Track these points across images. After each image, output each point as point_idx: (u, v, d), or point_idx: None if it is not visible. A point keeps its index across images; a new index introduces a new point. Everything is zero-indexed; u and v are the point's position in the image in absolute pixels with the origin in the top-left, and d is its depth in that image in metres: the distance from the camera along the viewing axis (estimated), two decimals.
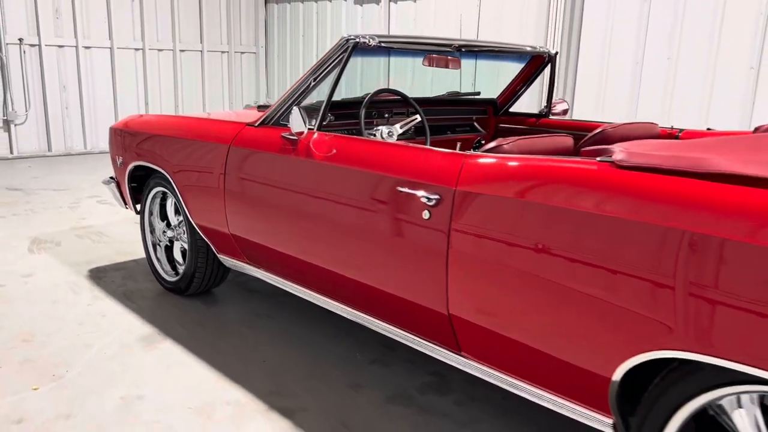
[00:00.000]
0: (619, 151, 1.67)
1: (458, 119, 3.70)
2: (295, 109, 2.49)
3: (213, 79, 9.65)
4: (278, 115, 2.76)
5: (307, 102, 2.79)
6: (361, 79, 8.22)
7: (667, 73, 5.58)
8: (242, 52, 9.91)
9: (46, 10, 7.99)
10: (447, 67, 3.11)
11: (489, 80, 5.99)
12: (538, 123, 3.60)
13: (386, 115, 3.27)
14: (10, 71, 7.82)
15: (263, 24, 9.97)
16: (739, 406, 1.50)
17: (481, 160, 1.96)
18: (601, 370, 1.66)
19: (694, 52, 5.40)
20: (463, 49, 3.04)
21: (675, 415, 1.55)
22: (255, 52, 10.05)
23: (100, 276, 3.79)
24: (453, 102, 3.71)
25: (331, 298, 2.61)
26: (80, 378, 2.61)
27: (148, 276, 3.79)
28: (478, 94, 3.81)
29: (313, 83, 2.66)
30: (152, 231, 3.64)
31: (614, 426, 1.74)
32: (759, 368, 1.37)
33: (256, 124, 2.84)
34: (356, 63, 8.17)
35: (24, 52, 7.89)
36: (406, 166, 2.14)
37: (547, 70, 3.55)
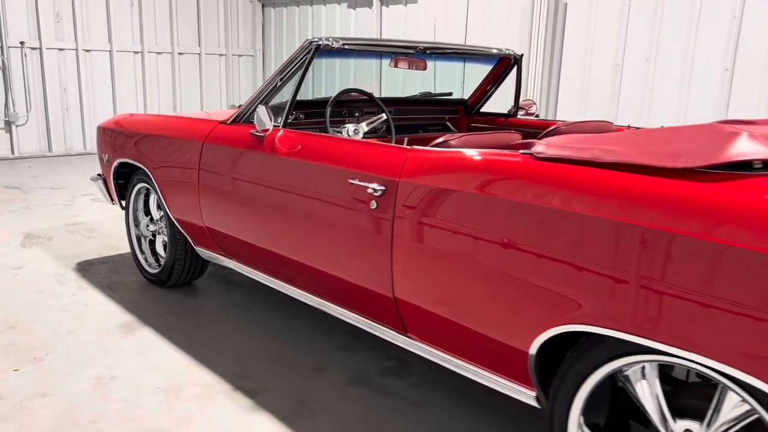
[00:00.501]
0: (539, 144, 1.81)
1: (431, 119, 3.85)
2: (261, 108, 2.64)
3: (211, 81, 9.83)
4: (248, 113, 2.92)
5: (281, 101, 2.94)
6: (354, 79, 8.39)
7: (646, 74, 5.71)
8: (240, 55, 10.09)
9: (47, 14, 8.19)
10: (413, 68, 3.26)
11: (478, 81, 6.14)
12: (507, 122, 3.74)
13: (356, 114, 3.42)
14: (12, 74, 8.02)
15: (260, 27, 10.15)
16: (643, 377, 1.63)
17: (423, 154, 2.11)
18: (521, 345, 1.80)
19: (671, 55, 5.52)
20: (428, 51, 3.18)
21: (583, 384, 1.69)
22: (252, 55, 10.22)
23: (86, 268, 3.96)
24: (426, 102, 3.86)
25: (296, 286, 2.76)
26: (59, 360, 2.77)
27: (132, 269, 3.95)
28: (450, 94, 3.96)
29: (279, 83, 2.81)
30: (137, 225, 3.80)
31: (537, 398, 1.88)
32: (651, 339, 1.51)
33: (228, 122, 3.00)
34: (350, 64, 8.34)
35: (25, 55, 8.09)
36: (357, 161, 2.29)
37: (521, 71, 3.70)
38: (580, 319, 1.64)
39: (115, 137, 3.70)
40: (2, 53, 7.91)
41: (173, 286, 3.65)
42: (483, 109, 3.99)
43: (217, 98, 9.93)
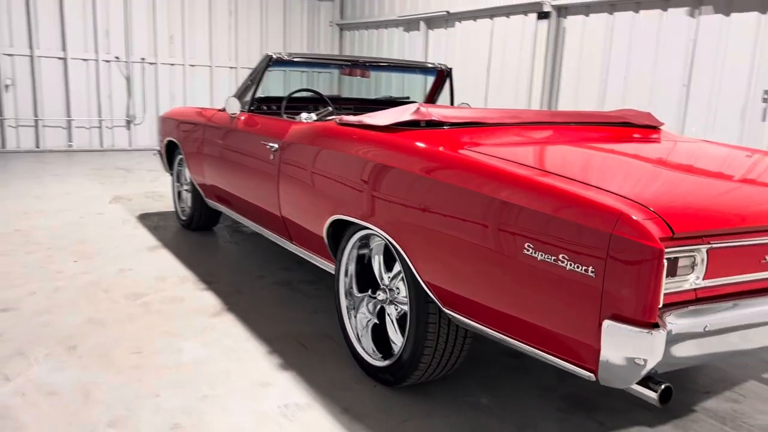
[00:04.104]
0: (344, 116, 3.02)
1: None
2: (231, 99, 4.01)
3: None
4: None
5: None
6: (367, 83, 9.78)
7: (624, 88, 6.53)
8: (319, 72, 11.70)
9: (162, 36, 10.23)
10: (360, 77, 4.51)
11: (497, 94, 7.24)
12: None
13: (320, 108, 4.70)
14: (134, 83, 10.09)
15: (338, 47, 11.72)
16: (381, 251, 2.78)
17: (297, 125, 3.36)
18: (319, 232, 3.00)
19: (641, 72, 6.33)
20: (367, 64, 4.42)
21: (345, 250, 2.85)
22: (330, 72, 11.80)
23: (145, 217, 5.54)
24: (387, 103, 5.07)
25: (249, 219, 4.07)
26: (102, 259, 4.28)
27: (175, 220, 5.47)
28: (408, 98, 5.14)
29: (249, 83, 4.17)
30: (181, 184, 5.30)
31: (336, 271, 3.06)
32: (361, 220, 2.67)
33: (222, 109, 4.40)
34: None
35: (144, 68, 10.15)
36: (269, 130, 3.59)
37: (452, 81, 4.82)
38: (340, 212, 2.82)
39: (166, 122, 5.24)
40: (127, 67, 10.01)
41: (195, 229, 5.11)
42: None
43: None
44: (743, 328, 1.85)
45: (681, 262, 1.76)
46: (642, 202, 1.76)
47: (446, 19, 8.89)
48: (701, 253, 1.78)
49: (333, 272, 3.14)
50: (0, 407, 2.41)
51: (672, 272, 1.74)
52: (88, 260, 4.26)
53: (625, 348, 1.67)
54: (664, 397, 1.74)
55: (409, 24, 9.67)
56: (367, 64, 4.43)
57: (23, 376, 2.66)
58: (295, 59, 4.13)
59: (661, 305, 1.65)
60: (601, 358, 1.72)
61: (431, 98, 5.05)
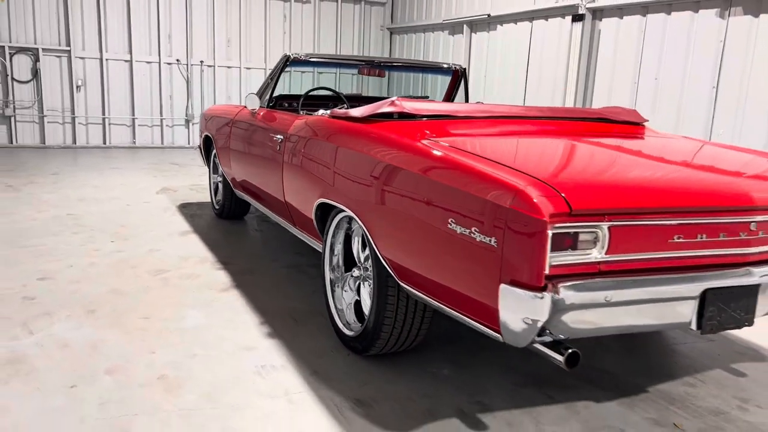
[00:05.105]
0: (334, 110, 3.30)
1: None
2: (251, 95, 4.36)
3: None
4: None
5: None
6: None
7: (655, 90, 6.52)
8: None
9: (220, 40, 10.82)
10: (376, 76, 4.78)
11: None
12: None
13: (338, 105, 4.99)
14: (192, 84, 10.73)
15: (388, 50, 12.03)
16: (361, 233, 3.05)
17: (299, 118, 3.67)
18: (308, 213, 3.28)
19: (672, 73, 6.31)
20: (382, 64, 4.69)
21: (329, 229, 3.11)
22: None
23: (184, 206, 5.99)
24: None
25: (266, 207, 4.41)
26: (137, 241, 4.72)
27: (211, 210, 5.90)
28: (427, 97, 5.36)
29: (269, 81, 4.51)
30: (217, 176, 5.72)
31: (322, 250, 3.34)
32: (337, 203, 2.93)
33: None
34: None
35: (203, 71, 10.76)
36: (279, 124, 3.91)
37: (467, 80, 5.02)
38: (323, 196, 3.10)
39: (204, 119, 5.67)
40: (187, 69, 10.65)
41: (226, 218, 5.51)
42: None
43: None
44: (646, 302, 2.00)
45: (582, 237, 1.93)
46: (547, 181, 1.95)
47: (488, 23, 9.04)
48: (602, 229, 1.95)
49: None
50: (19, 354, 2.81)
51: (572, 245, 1.92)
52: (123, 241, 4.71)
53: (517, 310, 1.86)
54: (571, 360, 1.92)
55: (454, 27, 9.86)
56: (381, 64, 4.69)
57: (45, 331, 3.07)
58: (311, 59, 4.44)
59: (547, 272, 1.84)
60: (500, 319, 1.92)
61: (448, 97, 5.26)
